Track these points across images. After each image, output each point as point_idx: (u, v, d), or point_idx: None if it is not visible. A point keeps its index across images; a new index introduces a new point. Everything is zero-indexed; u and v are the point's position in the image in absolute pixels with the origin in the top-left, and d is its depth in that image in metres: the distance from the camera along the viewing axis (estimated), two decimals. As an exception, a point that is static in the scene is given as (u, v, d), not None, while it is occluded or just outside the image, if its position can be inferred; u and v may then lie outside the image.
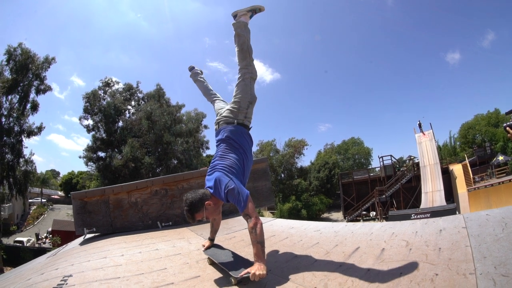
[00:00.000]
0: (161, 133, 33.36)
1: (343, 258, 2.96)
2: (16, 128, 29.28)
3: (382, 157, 43.22)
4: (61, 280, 3.54)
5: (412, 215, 23.04)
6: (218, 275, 2.93)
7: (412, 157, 44.46)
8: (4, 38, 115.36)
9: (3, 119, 28.53)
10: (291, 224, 5.07)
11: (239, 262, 2.95)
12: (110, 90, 36.49)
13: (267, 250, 3.58)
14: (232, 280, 2.61)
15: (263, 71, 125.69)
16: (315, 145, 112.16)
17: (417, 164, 38.19)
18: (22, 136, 29.77)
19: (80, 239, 6.29)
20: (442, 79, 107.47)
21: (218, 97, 4.04)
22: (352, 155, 65.08)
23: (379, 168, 45.05)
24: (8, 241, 35.70)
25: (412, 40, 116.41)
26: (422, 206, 29.94)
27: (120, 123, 35.86)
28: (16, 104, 29.42)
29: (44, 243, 39.84)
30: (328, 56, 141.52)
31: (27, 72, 29.57)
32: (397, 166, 43.26)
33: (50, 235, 40.15)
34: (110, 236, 5.78)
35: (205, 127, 39.41)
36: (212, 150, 42.32)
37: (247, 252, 3.49)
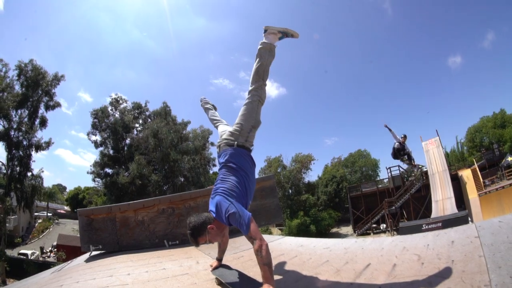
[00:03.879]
0: (167, 151, 33.53)
1: (354, 275, 2.90)
2: (24, 142, 29.96)
3: (389, 168, 42.56)
4: None
5: (423, 225, 22.68)
6: None
7: (420, 166, 43.55)
8: (14, 52, 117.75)
9: (13, 132, 29.14)
10: (300, 242, 4.99)
11: (247, 282, 2.92)
12: (119, 107, 36.95)
13: (276, 269, 3.54)
14: None
15: (269, 86, 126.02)
16: (322, 159, 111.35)
17: (426, 172, 37.32)
18: (31, 150, 30.33)
19: (86, 255, 6.26)
20: (445, 84, 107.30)
21: (222, 122, 4.05)
22: (359, 167, 64.14)
23: (387, 180, 44.35)
24: (12, 253, 35.53)
25: (413, 48, 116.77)
26: (433, 215, 29.29)
27: (128, 140, 36.35)
28: (26, 119, 30.10)
29: (49, 257, 39.92)
30: (332, 69, 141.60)
31: (37, 88, 30.27)
32: (406, 176, 42.10)
33: (55, 249, 39.98)
34: (116, 254, 5.73)
35: (212, 144, 39.57)
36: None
37: (256, 272, 3.40)
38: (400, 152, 11.41)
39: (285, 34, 3.63)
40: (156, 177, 32.31)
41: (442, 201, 31.61)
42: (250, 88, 3.46)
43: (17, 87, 30.03)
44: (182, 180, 34.62)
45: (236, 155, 3.21)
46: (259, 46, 3.49)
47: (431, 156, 37.61)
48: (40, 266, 28.10)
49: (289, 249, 4.64)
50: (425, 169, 37.97)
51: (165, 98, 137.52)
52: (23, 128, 29.67)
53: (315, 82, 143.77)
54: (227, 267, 3.46)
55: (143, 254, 5.39)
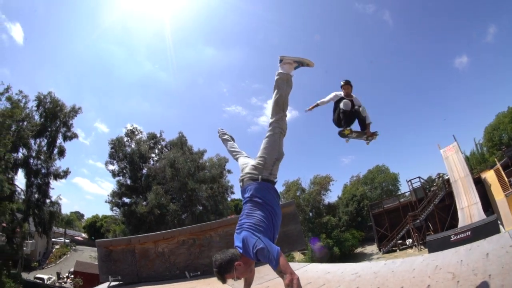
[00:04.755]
0: (185, 180, 33.63)
1: None
2: (43, 170, 30.79)
3: (410, 180, 41.32)
4: None
5: (452, 236, 21.66)
6: None
7: (441, 174, 41.86)
8: (32, 83, 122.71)
9: (32, 160, 30.02)
10: (326, 269, 4.83)
11: None
12: (135, 138, 37.53)
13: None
14: None
15: None
16: (341, 179, 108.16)
17: (448, 180, 36.27)
18: (49, 178, 31.19)
19: (104, 285, 6.21)
20: (456, 87, 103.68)
21: (242, 153, 4.00)
22: (379, 183, 62.37)
23: (409, 193, 42.98)
24: (29, 276, 35.62)
25: (417, 57, 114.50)
26: (460, 224, 27.79)
27: (145, 170, 36.67)
28: (44, 148, 31.12)
29: (65, 282, 39.81)
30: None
31: (55, 119, 31.36)
32: (427, 186, 41.08)
33: (72, 276, 39.54)
34: (136, 286, 5.71)
35: (229, 171, 39.25)
36: (237, 194, 42.33)
37: None
38: (351, 113, 6.09)
39: (300, 63, 3.66)
40: (174, 206, 32.30)
41: (468, 207, 30.11)
42: (271, 120, 3.45)
43: (36, 117, 30.96)
44: (201, 208, 34.56)
45: (261, 189, 3.15)
46: (276, 77, 3.49)
47: (451, 163, 36.36)
48: None
49: (316, 277, 4.47)
50: (446, 177, 37.10)
51: (179, 127, 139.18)
52: (42, 157, 30.63)
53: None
54: None
55: (164, 286, 5.34)
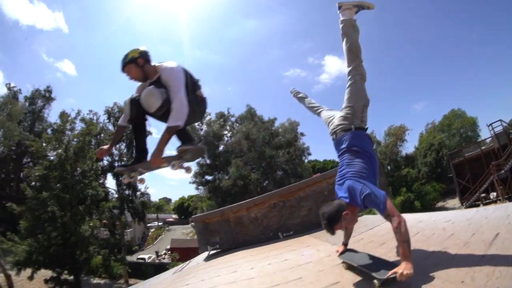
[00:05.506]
0: (261, 149, 34.37)
1: (484, 247, 2.65)
2: None
3: (490, 124, 35.91)
4: None
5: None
6: (358, 278, 2.79)
7: None
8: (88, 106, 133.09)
9: (116, 164, 33.38)
10: (417, 218, 4.69)
11: (380, 263, 2.78)
12: (205, 120, 38.85)
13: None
14: (376, 282, 2.44)
15: (339, 65, 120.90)
16: (416, 127, 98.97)
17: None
18: None
19: (203, 255, 6.59)
20: None
21: (323, 107, 3.95)
22: (456, 130, 56.34)
23: (490, 139, 38.67)
24: (132, 258, 40.33)
25: None
26: None
27: (221, 148, 37.84)
28: (124, 150, 35.16)
29: (164, 258, 44.19)
30: (405, 28, 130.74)
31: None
32: (511, 131, 35.23)
33: (169, 252, 44.23)
34: (234, 251, 5.93)
35: (302, 134, 39.53)
36: (314, 155, 41.95)
37: (380, 254, 3.24)
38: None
39: (360, 7, 3.48)
40: (255, 176, 33.26)
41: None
42: (348, 69, 3.34)
43: (110, 127, 34.97)
44: (281, 173, 35.11)
45: (356, 138, 3.11)
46: (341, 25, 3.39)
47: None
48: (157, 267, 32.47)
49: (409, 226, 4.43)
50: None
51: (244, 101, 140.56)
52: (124, 158, 34.61)
53: (389, 45, 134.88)
54: (354, 250, 3.35)
55: (261, 248, 5.49)
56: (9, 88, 36.76)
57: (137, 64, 3.46)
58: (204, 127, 38.89)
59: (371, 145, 3.23)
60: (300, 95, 4.46)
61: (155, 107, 3.18)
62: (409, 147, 57.90)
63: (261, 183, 34.00)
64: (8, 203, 23.62)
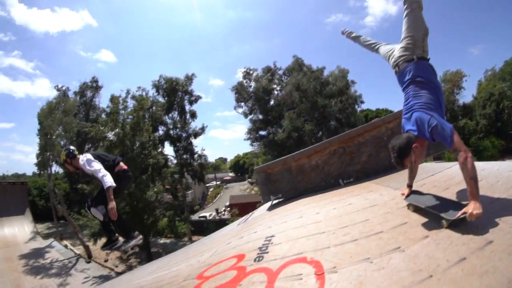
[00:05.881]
0: (313, 99, 33.73)
1: None
2: (183, 135, 37.00)
3: None
4: (265, 240, 3.81)
5: None
6: (425, 220, 2.79)
7: None
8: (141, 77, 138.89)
9: (171, 132, 36.59)
10: (480, 166, 4.39)
11: (448, 204, 2.74)
12: (252, 77, 38.77)
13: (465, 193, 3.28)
14: (444, 222, 2.45)
15: (384, 5, 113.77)
16: (473, 74, 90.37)
17: None
18: (190, 139, 37.37)
19: (265, 207, 6.75)
20: None
21: (381, 42, 3.78)
22: None
23: None
24: (194, 217, 42.88)
25: None
26: None
27: (272, 102, 37.67)
28: (178, 118, 37.17)
29: (224, 215, 47.22)
30: None
31: (176, 92, 36.97)
32: None
33: (228, 208, 47.65)
34: (296, 200, 6.02)
35: (353, 82, 37.85)
36: (366, 104, 40.66)
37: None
38: None
39: None
40: (309, 127, 33.00)
41: None
42: None
43: (160, 99, 37.02)
44: (334, 123, 34.58)
45: (420, 68, 3.00)
46: None
47: None
48: (217, 223, 34.50)
49: None
50: None
51: (289, 53, 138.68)
52: (178, 125, 36.72)
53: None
54: (419, 192, 3.32)
55: (323, 195, 5.53)
56: (58, 90, 39.91)
57: (67, 162, 5.17)
58: (253, 83, 38.83)
59: (436, 75, 3.07)
60: (354, 34, 4.30)
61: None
62: (466, 95, 53.74)
63: (315, 134, 33.75)
64: (79, 185, 27.46)
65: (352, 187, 5.43)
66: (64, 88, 40.39)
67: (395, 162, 2.75)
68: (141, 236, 5.59)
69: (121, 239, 5.33)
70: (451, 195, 3.25)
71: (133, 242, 5.36)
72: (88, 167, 4.88)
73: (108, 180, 4.70)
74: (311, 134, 32.90)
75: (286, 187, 6.44)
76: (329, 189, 5.94)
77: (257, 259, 3.27)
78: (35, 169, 33.26)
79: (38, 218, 37.23)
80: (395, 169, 5.44)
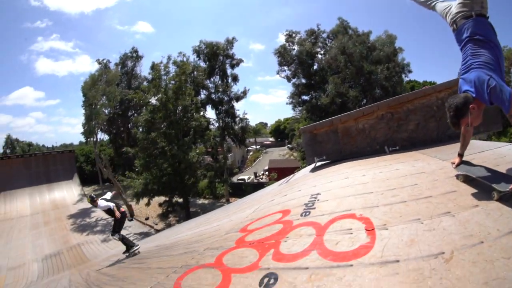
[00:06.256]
0: (359, 64, 32.35)
1: None
2: (225, 98, 37.40)
3: None
4: (311, 198, 3.89)
5: None
6: (475, 190, 2.73)
7: None
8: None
9: (213, 96, 37.12)
10: None
11: (500, 176, 2.68)
12: (295, 40, 37.71)
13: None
14: (495, 194, 2.41)
15: None
16: None
17: None
18: (232, 102, 37.80)
19: (307, 169, 6.76)
20: None
21: (437, 0, 3.57)
22: None
23: None
24: (233, 179, 44.07)
25: None
26: None
27: (316, 66, 36.75)
28: (219, 82, 37.51)
29: (262, 178, 48.70)
30: None
31: (217, 57, 36.98)
32: None
33: (267, 172, 48.67)
34: (340, 163, 6.02)
35: (400, 49, 35.73)
36: (414, 74, 38.86)
37: None
38: None
39: None
40: (353, 93, 31.94)
41: None
42: None
43: (201, 64, 37.49)
44: (379, 91, 33.32)
45: (479, 25, 2.86)
46: None
47: None
48: (255, 186, 35.31)
49: None
50: None
51: (333, 16, 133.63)
52: (220, 89, 37.03)
53: None
54: (470, 163, 3.22)
55: (368, 160, 5.51)
56: (99, 63, 41.40)
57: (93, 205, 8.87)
58: (296, 47, 37.63)
59: (495, 34, 2.90)
60: None
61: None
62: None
63: (359, 101, 32.58)
64: (124, 148, 29.54)
65: (398, 155, 5.34)
66: (105, 61, 41.98)
67: (451, 122, 2.67)
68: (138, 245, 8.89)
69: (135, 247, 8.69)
70: (501, 173, 3.16)
71: (134, 248, 8.54)
72: (102, 205, 8.63)
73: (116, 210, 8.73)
74: (355, 101, 31.87)
75: (331, 149, 6.43)
76: (374, 155, 5.87)
77: (304, 214, 3.37)
78: (81, 138, 36.26)
79: (85, 182, 41.55)
80: (442, 142, 5.35)
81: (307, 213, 3.32)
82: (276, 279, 2.26)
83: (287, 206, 4.03)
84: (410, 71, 36.03)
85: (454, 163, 3.27)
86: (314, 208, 3.42)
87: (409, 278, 1.75)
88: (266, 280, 2.30)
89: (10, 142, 61.59)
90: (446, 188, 2.94)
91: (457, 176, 3.12)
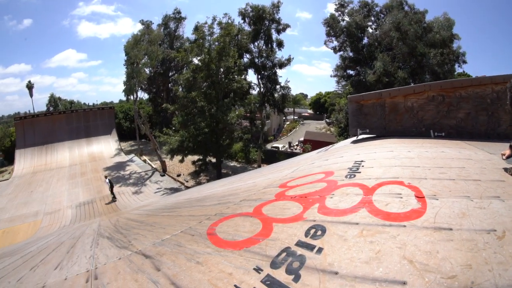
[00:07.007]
0: (413, 43, 30.63)
1: None
2: (269, 64, 36.59)
3: None
4: (355, 163, 3.95)
5: None
6: None
7: None
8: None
9: (256, 60, 36.34)
10: None
11: None
12: (346, 10, 36.18)
13: None
14: None
15: None
16: None
17: None
18: (275, 69, 36.90)
19: (347, 141, 6.68)
20: None
21: None
22: None
23: None
24: (267, 146, 44.70)
25: None
26: None
27: (365, 40, 35.45)
28: (263, 46, 36.54)
29: (296, 149, 48.38)
30: None
31: (262, 20, 36.06)
32: None
33: (302, 143, 48.60)
34: (383, 138, 5.95)
35: (457, 36, 33.14)
36: (469, 67, 36.13)
37: None
38: None
39: None
40: (402, 74, 30.50)
41: None
42: None
43: (246, 27, 36.52)
44: (429, 77, 31.68)
45: None
46: None
47: None
48: (288, 155, 35.20)
49: None
50: None
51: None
52: (264, 54, 36.18)
53: None
54: None
55: (413, 140, 5.40)
56: (142, 23, 41.00)
57: None
58: (346, 17, 35.83)
59: None
60: None
61: None
62: None
63: (407, 84, 31.14)
64: (164, 105, 29.72)
65: (443, 141, 5.22)
66: (147, 22, 42.01)
67: (510, 103, 2.65)
68: None
69: None
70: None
71: None
72: None
73: None
74: (403, 83, 30.45)
75: (376, 124, 6.35)
76: (419, 137, 5.77)
77: (348, 176, 3.43)
78: (121, 96, 37.61)
79: (122, 137, 44.18)
80: (490, 139, 5.20)
81: (352, 176, 3.37)
82: (323, 231, 2.28)
83: (330, 169, 4.08)
84: (465, 62, 33.77)
85: (504, 155, 3.19)
86: (360, 172, 3.46)
87: (464, 246, 1.79)
88: (313, 231, 2.30)
89: (53, 100, 64.69)
90: (494, 176, 2.89)
91: (506, 169, 3.03)
